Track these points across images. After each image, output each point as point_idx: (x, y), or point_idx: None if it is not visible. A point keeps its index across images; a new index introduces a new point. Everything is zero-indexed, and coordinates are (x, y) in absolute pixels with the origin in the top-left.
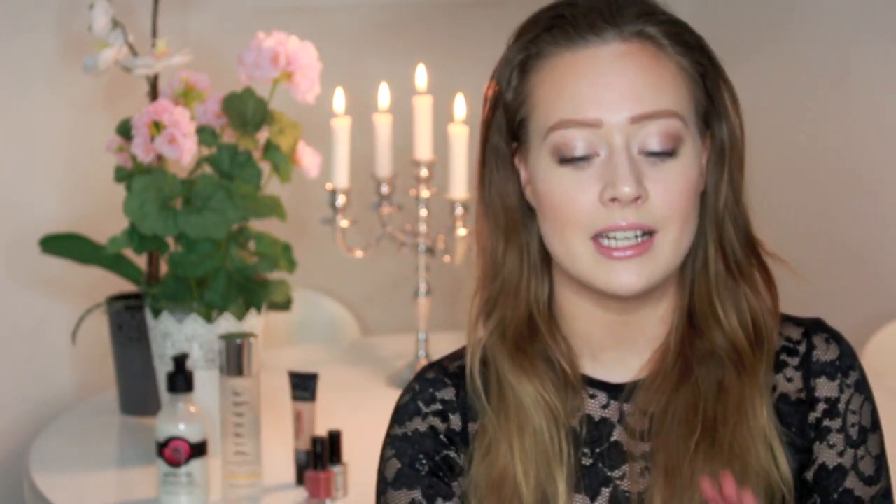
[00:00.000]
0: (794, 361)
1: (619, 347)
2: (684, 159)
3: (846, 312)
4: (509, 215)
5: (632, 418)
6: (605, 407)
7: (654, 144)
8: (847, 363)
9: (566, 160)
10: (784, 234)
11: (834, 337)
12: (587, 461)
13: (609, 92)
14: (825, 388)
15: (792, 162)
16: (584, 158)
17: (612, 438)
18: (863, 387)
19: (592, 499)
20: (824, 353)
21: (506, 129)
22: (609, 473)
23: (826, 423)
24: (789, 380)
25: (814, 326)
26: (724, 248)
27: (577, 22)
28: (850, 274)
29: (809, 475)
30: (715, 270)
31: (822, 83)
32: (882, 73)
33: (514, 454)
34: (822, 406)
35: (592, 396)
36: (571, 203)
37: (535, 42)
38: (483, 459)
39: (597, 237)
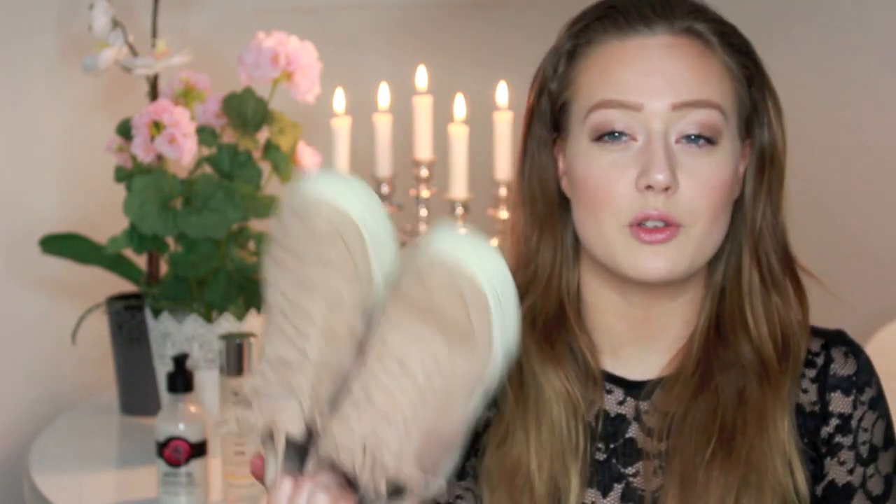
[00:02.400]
0: (811, 373)
1: (640, 344)
2: (719, 154)
3: (847, 311)
4: (547, 203)
5: (648, 416)
6: (621, 403)
7: (693, 129)
8: (863, 379)
9: (603, 136)
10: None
11: (853, 351)
12: (601, 456)
13: (653, 79)
14: (839, 403)
15: (793, 160)
16: (622, 136)
17: (628, 435)
18: (878, 404)
19: (604, 494)
20: (842, 367)
21: (549, 118)
22: (622, 470)
23: (838, 439)
24: (804, 391)
25: (835, 339)
26: (760, 258)
27: (628, 12)
28: (850, 273)
29: (819, 490)
30: (749, 279)
31: (823, 82)
32: (884, 72)
33: (530, 445)
34: (834, 421)
35: (609, 392)
36: (607, 187)
37: (584, 31)
38: (498, 448)
39: (631, 225)
